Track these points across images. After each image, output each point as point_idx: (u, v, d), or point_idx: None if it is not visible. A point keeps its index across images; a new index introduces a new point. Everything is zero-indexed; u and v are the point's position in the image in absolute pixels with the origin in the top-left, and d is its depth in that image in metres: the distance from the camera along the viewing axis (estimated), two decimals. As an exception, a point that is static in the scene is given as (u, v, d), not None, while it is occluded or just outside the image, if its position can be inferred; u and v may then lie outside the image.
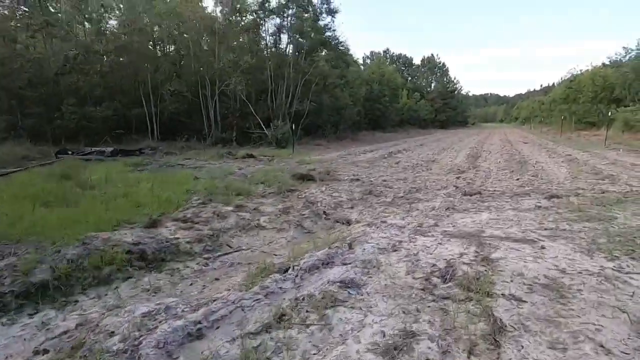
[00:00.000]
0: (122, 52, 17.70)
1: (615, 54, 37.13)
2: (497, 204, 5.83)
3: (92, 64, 16.34)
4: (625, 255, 3.43)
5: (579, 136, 30.16)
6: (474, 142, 23.08)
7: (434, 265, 3.24)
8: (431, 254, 3.57)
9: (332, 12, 21.44)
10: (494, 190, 7.03)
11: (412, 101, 57.21)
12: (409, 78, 72.06)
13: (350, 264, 3.32)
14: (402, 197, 6.62)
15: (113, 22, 19.43)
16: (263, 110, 20.46)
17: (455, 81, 75.23)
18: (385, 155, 13.98)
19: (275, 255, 4.04)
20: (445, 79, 71.33)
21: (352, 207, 6.01)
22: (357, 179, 8.36)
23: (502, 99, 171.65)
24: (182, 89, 18.88)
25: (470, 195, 6.56)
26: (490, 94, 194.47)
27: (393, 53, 75.09)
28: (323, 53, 23.01)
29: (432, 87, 70.94)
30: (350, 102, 30.17)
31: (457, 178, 8.57)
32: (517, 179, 8.21)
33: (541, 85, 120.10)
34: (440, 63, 70.19)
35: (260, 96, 20.82)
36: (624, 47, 33.71)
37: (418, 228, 4.52)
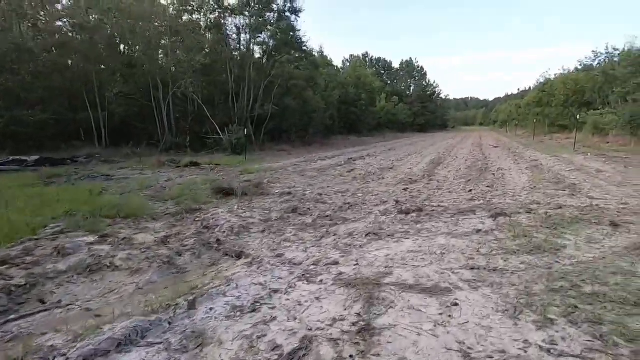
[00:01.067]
0: (64, 51, 16.21)
1: (586, 57, 37.58)
2: (432, 226, 4.83)
3: (22, 63, 14.77)
4: (564, 316, 2.43)
5: (551, 139, 30.07)
6: (446, 146, 22.42)
7: (278, 347, 2.15)
8: (295, 318, 2.48)
9: (295, 12, 20.46)
10: (438, 206, 6.05)
11: (390, 105, 56.89)
12: (389, 82, 72.00)
13: (160, 344, 2.20)
14: (328, 216, 5.55)
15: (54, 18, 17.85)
16: (224, 114, 19.23)
17: (434, 85, 75.62)
18: (343, 162, 12.97)
19: (98, 316, 2.87)
20: (424, 83, 71.46)
21: (263, 231, 4.90)
22: (289, 193, 7.27)
23: (482, 102, 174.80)
24: (131, 91, 17.49)
25: (407, 214, 5.55)
26: (471, 97, 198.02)
27: (372, 56, 74.82)
28: (289, 55, 21.96)
29: (412, 91, 71.00)
30: (323, 105, 29.25)
31: (405, 190, 7.59)
32: (470, 191, 7.28)
33: (518, 89, 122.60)
34: (418, 67, 70.27)
35: (221, 99, 19.59)
36: (593, 51, 34.02)
37: (312, 267, 3.45)
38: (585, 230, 4.44)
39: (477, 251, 3.72)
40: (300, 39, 21.27)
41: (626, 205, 5.80)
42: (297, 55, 21.66)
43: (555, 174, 9.37)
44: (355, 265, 3.46)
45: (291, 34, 20.26)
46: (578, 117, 20.62)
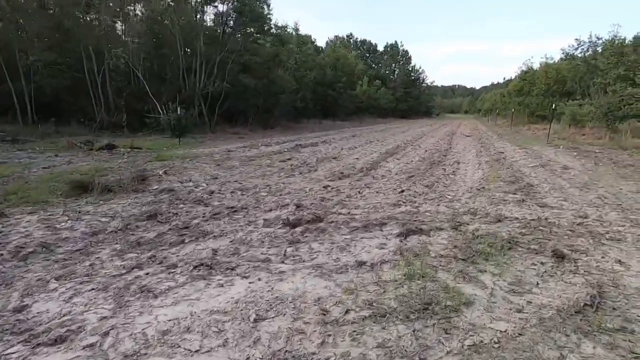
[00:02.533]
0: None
1: (569, 46, 36.49)
2: (308, 250, 3.39)
3: None
4: None
5: (529, 129, 29.14)
6: (416, 134, 21.06)
7: None
8: None
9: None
10: (348, 213, 4.62)
11: (372, 89, 55.10)
12: (374, 65, 69.91)
13: None
14: (188, 227, 4.06)
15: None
16: (172, 91, 17.25)
17: (420, 70, 73.91)
18: (287, 150, 11.42)
19: None
20: (408, 68, 69.64)
21: (57, 260, 3.37)
22: (172, 190, 5.71)
23: (469, 90, 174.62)
24: (58, 60, 15.32)
25: (295, 226, 4.10)
26: (458, 85, 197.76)
27: (357, 38, 72.50)
28: (249, 27, 19.93)
29: (396, 76, 69.17)
30: (294, 85, 27.39)
31: (325, 187, 6.12)
32: (402, 192, 5.87)
33: (504, 78, 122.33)
34: (403, 51, 68.26)
35: (168, 74, 17.56)
36: (576, 39, 32.81)
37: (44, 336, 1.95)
38: (516, 265, 3.07)
39: (324, 313, 2.27)
40: (262, 9, 19.20)
41: (583, 219, 4.48)
42: (255, 28, 19.64)
43: (514, 171, 8.06)
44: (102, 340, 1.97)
45: (246, 1, 18.16)
46: (554, 107, 19.46)
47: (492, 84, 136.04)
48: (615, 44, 25.22)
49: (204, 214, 4.55)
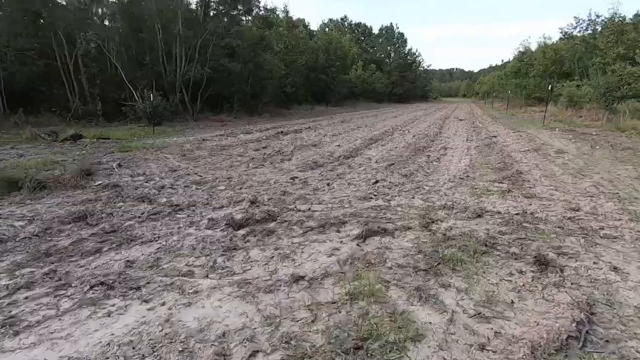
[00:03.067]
0: None
1: (567, 25, 35.46)
2: (243, 259, 2.82)
3: None
4: None
5: (525, 112, 28.45)
6: (409, 118, 20.34)
7: None
8: None
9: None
10: (308, 209, 4.04)
11: (367, 73, 53.87)
12: (369, 49, 68.30)
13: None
14: (115, 230, 3.48)
15: None
16: (151, 77, 16.41)
17: (416, 53, 72.35)
18: (267, 137, 10.76)
19: None
20: (404, 50, 68.10)
21: None
22: (117, 185, 5.10)
23: (467, 74, 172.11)
24: (30, 47, 14.46)
25: (241, 227, 3.53)
26: (456, 68, 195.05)
27: (351, 21, 70.69)
28: (233, 10, 18.96)
29: (391, 59, 67.67)
30: (284, 70, 26.47)
31: (292, 179, 5.52)
32: (375, 182, 5.29)
33: (502, 60, 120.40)
34: (398, 33, 66.62)
35: (145, 59, 16.69)
36: (575, 17, 31.79)
37: None
38: (489, 275, 2.52)
39: (222, 358, 1.71)
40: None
41: (576, 212, 3.92)
42: (241, 10, 18.67)
43: (504, 157, 7.47)
44: None
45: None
46: (551, 88, 18.72)
47: (490, 67, 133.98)
48: (615, 22, 24.32)
49: (142, 213, 3.97)
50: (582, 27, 30.11)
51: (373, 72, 54.67)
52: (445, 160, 7.22)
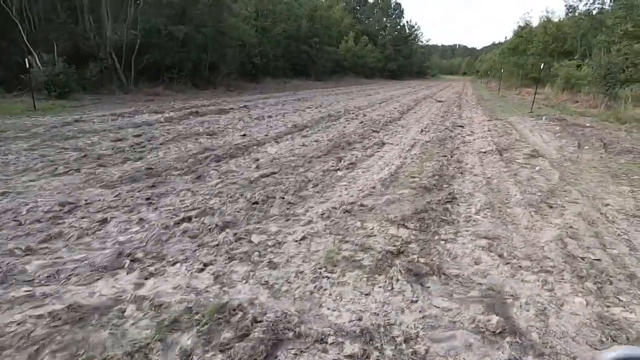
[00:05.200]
0: None
1: (573, -1, 32.16)
2: None
3: None
4: None
5: (519, 93, 26.06)
6: (383, 97, 17.82)
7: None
8: None
9: None
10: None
11: (360, 46, 50.33)
12: (364, 20, 64.03)
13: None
14: None
15: None
16: (68, 39, 13.70)
17: (415, 26, 68.19)
18: (164, 121, 8.41)
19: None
20: (400, 23, 63.99)
21: None
22: None
23: (470, 50, 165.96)
24: None
25: None
26: (459, 45, 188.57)
27: (346, -13, 65.85)
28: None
29: (386, 32, 63.61)
30: (258, 39, 23.63)
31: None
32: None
33: (506, 37, 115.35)
34: (395, 3, 62.24)
35: (60, 17, 13.91)
36: (582, -12, 28.54)
37: None
38: None
39: None
40: None
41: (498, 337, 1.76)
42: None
43: (450, 162, 5.26)
44: None
45: None
46: (543, 66, 16.22)
47: (493, 44, 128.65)
48: (626, -6, 21.42)
49: None
50: (588, 1, 27.01)
51: (365, 45, 51.14)
52: (363, 166, 4.99)
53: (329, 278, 2.25)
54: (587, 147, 6.88)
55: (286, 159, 5.18)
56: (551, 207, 3.63)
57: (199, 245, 2.62)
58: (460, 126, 8.93)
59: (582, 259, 2.60)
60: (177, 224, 2.93)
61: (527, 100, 19.42)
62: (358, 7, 65.58)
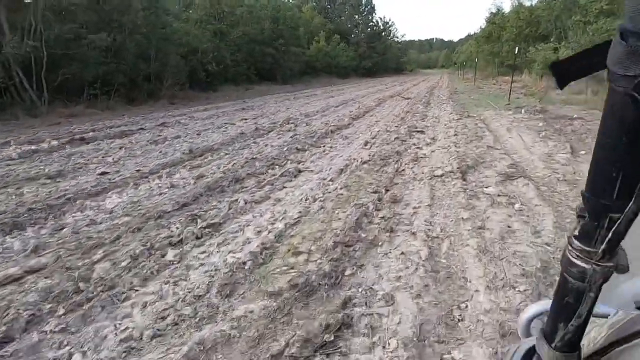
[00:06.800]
0: None
1: (545, -22, 30.82)
2: None
3: None
4: None
5: (495, 83, 24.55)
6: (348, 98, 15.86)
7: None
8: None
9: None
10: None
11: (332, 45, 48.54)
12: (335, 18, 62.35)
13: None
14: None
15: None
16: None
17: (388, 22, 66.76)
18: (46, 151, 6.24)
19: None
20: (373, 19, 62.53)
21: None
22: None
23: (447, 43, 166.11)
24: None
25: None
26: (436, 39, 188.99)
27: (314, -13, 64.11)
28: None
29: (359, 29, 62.08)
30: (213, 43, 21.54)
31: None
32: None
33: (480, 27, 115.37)
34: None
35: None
36: (553, -32, 27.21)
37: None
38: None
39: None
40: None
41: None
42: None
43: (381, 208, 3.28)
44: None
45: None
46: (518, 50, 14.55)
47: (469, 35, 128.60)
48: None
49: None
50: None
51: (337, 44, 49.39)
52: (214, 241, 2.95)
53: None
54: (583, 153, 5.00)
55: (106, 224, 3.11)
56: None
57: None
58: (419, 131, 6.98)
59: None
60: None
61: (504, 89, 17.80)
62: (329, 6, 63.92)
